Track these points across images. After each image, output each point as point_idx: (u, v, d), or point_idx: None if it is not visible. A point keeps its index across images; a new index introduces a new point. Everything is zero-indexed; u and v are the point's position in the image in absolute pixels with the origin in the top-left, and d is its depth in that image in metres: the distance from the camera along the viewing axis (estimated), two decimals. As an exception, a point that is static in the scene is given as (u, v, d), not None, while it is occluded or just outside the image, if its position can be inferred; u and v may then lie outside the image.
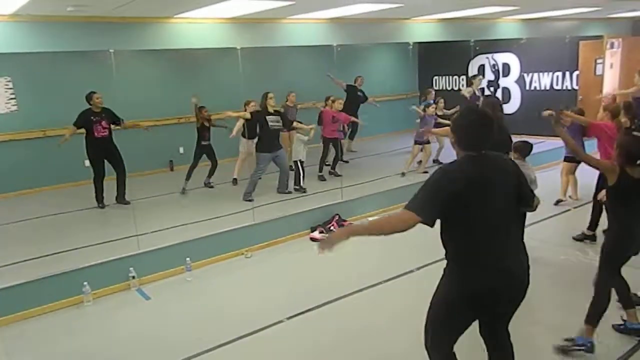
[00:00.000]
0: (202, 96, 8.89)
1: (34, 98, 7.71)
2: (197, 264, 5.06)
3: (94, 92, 6.39)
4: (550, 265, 4.67)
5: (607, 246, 3.25)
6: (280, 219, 5.79)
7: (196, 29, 5.26)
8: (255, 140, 6.97)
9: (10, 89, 7.66)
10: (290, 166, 7.21)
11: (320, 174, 7.67)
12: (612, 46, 9.26)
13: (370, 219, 2.14)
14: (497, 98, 5.68)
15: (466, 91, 8.53)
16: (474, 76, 8.95)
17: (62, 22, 4.54)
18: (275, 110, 6.71)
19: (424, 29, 7.06)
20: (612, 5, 6.40)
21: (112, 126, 6.54)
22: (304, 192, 6.89)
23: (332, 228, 5.81)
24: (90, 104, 6.37)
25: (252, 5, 4.65)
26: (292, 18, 5.78)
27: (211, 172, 7.55)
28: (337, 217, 6.01)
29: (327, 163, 7.82)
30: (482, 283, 2.22)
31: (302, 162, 7.08)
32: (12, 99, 7.66)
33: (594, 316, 3.18)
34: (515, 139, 4.64)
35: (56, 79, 7.75)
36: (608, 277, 3.23)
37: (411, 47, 8.55)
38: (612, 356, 3.22)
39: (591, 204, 5.22)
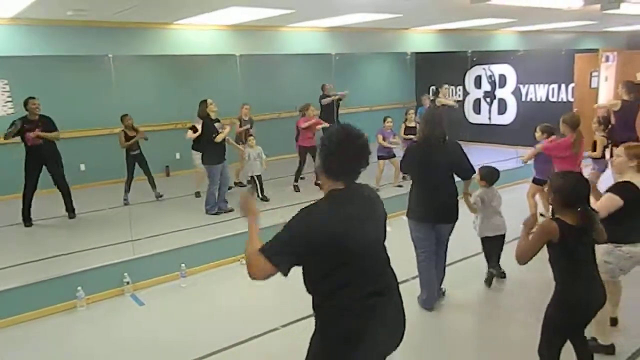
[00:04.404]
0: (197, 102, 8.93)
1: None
2: (192, 270, 5.03)
3: (31, 98, 6.10)
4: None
5: (552, 322, 2.66)
6: (277, 226, 5.73)
7: (195, 35, 5.27)
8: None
9: (7, 91, 7.65)
10: (247, 181, 6.99)
11: (296, 184, 7.57)
12: (607, 59, 9.36)
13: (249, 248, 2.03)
14: (440, 111, 5.18)
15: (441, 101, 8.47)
16: (440, 86, 8.86)
17: (61, 26, 4.54)
18: (216, 118, 6.38)
19: (422, 39, 7.11)
20: (608, 19, 6.47)
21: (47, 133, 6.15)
22: (267, 201, 6.83)
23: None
24: (27, 110, 6.08)
25: (251, 12, 4.68)
26: (292, 26, 5.81)
27: (151, 184, 7.29)
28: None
29: (302, 177, 7.66)
30: (363, 329, 1.95)
31: (258, 177, 6.94)
32: (8, 101, 7.65)
33: None
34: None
35: (53, 83, 7.75)
36: (548, 350, 2.69)
37: (409, 57, 8.61)
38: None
39: None
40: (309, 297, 2.09)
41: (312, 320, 2.08)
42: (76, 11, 4.10)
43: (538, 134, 5.58)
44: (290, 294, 4.57)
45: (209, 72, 9.11)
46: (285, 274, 1.93)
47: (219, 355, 3.59)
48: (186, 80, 9.11)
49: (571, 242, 2.49)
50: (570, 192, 2.51)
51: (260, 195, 6.89)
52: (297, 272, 2.02)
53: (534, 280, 4.62)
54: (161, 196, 7.33)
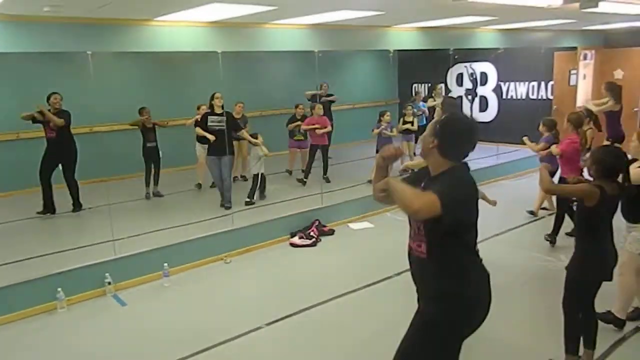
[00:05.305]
0: (182, 99, 8.83)
1: (7, 100, 7.53)
2: (175, 269, 4.99)
3: (54, 93, 6.28)
4: (525, 272, 4.76)
5: (573, 277, 3.01)
6: (260, 224, 5.75)
7: (177, 32, 5.21)
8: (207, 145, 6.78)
9: (-17, 89, 7.47)
10: (244, 176, 6.98)
11: (306, 179, 7.64)
12: (585, 57, 9.51)
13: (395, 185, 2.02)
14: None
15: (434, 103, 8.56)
16: (435, 85, 8.92)
17: (39, 22, 4.44)
18: (225, 112, 6.48)
19: (404, 36, 7.15)
20: (586, 17, 6.58)
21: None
22: (252, 204, 6.64)
23: (311, 233, 5.80)
24: (49, 104, 6.26)
25: (233, 9, 4.64)
26: (274, 23, 5.78)
27: (155, 179, 7.34)
28: (317, 223, 6.01)
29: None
30: (482, 301, 2.20)
31: (260, 175, 6.82)
32: (-16, 99, 7.48)
33: (569, 341, 3.04)
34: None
35: (30, 81, 7.59)
36: (576, 303, 3.05)
37: (392, 54, 8.63)
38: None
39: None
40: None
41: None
42: (53, 7, 4.02)
43: (542, 129, 5.65)
44: (273, 293, 4.57)
45: (191, 69, 9.01)
46: (440, 215, 1.95)
47: (204, 355, 3.56)
48: (168, 78, 9.00)
49: (606, 208, 2.87)
50: (610, 163, 2.88)
51: (252, 197, 6.75)
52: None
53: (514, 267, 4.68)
54: (161, 196, 7.34)
